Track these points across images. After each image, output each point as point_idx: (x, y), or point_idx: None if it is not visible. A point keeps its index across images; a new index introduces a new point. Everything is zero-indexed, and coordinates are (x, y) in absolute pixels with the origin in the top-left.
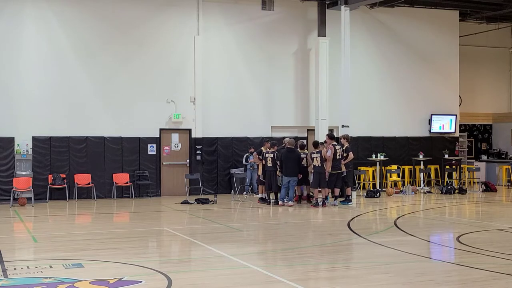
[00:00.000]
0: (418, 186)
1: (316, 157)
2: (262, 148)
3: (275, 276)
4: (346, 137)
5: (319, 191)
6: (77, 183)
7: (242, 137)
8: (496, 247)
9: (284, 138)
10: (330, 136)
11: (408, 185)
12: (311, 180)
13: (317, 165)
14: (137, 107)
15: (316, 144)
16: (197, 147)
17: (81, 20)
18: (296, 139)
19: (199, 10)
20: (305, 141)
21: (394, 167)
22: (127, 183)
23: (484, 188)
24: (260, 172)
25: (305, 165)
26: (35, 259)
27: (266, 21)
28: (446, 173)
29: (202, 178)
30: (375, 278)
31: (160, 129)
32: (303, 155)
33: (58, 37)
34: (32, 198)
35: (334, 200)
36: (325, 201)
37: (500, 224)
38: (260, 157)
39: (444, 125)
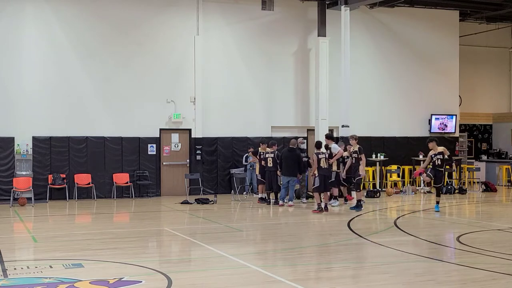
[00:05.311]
0: (418, 186)
1: (323, 158)
2: (259, 148)
3: (275, 276)
4: (355, 137)
5: (319, 195)
6: (77, 183)
7: (242, 137)
8: (496, 247)
9: (291, 138)
10: (329, 136)
11: (408, 185)
12: (315, 184)
13: (323, 167)
14: (137, 107)
15: (319, 145)
16: (197, 147)
17: (81, 20)
18: (297, 139)
19: (199, 10)
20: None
21: (394, 167)
22: (127, 183)
23: (484, 188)
24: (257, 172)
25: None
26: (35, 259)
27: (266, 21)
28: (446, 173)
29: (202, 178)
30: (375, 278)
31: (160, 129)
32: (306, 156)
33: (58, 37)
34: (32, 198)
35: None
36: (328, 204)
37: (500, 224)
38: (257, 157)
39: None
